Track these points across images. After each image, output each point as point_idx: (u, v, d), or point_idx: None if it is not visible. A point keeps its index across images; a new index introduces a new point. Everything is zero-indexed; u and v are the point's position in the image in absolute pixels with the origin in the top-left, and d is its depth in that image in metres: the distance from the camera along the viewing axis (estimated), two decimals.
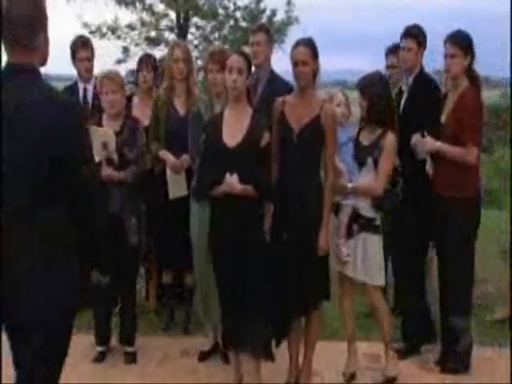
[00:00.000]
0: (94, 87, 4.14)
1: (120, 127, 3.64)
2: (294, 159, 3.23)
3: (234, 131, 3.15)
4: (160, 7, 14.37)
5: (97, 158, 3.46)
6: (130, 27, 14.36)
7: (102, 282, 2.58)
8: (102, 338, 3.77)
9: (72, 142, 1.96)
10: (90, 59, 4.29)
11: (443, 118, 3.62)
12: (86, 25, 14.25)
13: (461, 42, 3.53)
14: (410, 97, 3.84)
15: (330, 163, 3.24)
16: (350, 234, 3.39)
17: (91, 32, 14.24)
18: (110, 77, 3.66)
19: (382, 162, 3.34)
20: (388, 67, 4.33)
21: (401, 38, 3.88)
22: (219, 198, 3.13)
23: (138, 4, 14.61)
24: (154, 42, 14.14)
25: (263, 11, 13.49)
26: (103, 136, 3.53)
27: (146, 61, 4.12)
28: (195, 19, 14.29)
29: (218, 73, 3.56)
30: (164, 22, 14.70)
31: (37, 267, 1.91)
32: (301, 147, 3.21)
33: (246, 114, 3.19)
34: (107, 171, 3.53)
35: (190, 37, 14.33)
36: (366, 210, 3.37)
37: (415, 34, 3.83)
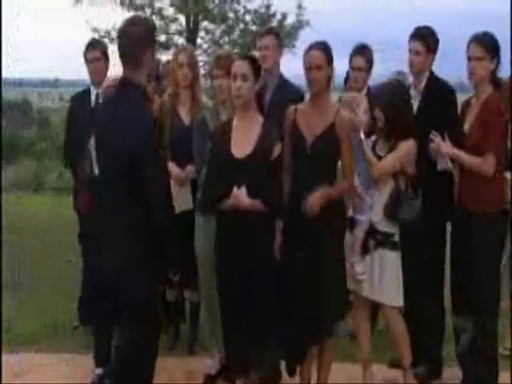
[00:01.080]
0: (96, 95, 3.93)
1: None
2: (308, 172, 3.01)
3: (243, 141, 2.94)
4: (170, 11, 14.18)
5: (97, 171, 3.28)
6: None
7: (174, 280, 2.74)
8: (102, 359, 3.56)
9: (148, 154, 2.42)
10: (100, 60, 4.02)
11: (466, 127, 3.37)
12: (95, 30, 14.12)
13: (488, 44, 3.27)
14: (424, 103, 3.59)
15: (349, 172, 3.02)
16: (365, 251, 3.16)
17: (101, 37, 14.11)
18: None
19: (390, 154, 3.09)
20: (353, 69, 3.93)
21: (409, 40, 3.64)
22: (226, 211, 2.91)
23: (147, 8, 14.45)
24: (163, 46, 13.91)
25: (273, 15, 13.24)
26: None
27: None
28: (205, 23, 14.03)
29: (223, 78, 3.35)
30: (174, 27, 14.48)
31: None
32: (315, 159, 2.99)
33: (256, 123, 2.98)
34: None
35: (199, 41, 14.10)
36: (383, 224, 3.14)
37: (424, 36, 3.58)
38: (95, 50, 4.01)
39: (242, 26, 13.89)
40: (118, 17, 15.90)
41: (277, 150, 2.95)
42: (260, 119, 3.01)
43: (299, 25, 13.41)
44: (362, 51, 3.89)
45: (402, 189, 3.11)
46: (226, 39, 14.22)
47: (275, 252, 3.01)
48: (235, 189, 2.87)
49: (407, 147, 3.12)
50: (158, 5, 14.31)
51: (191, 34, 14.08)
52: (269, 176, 2.91)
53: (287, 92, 3.63)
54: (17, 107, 25.01)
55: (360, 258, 3.15)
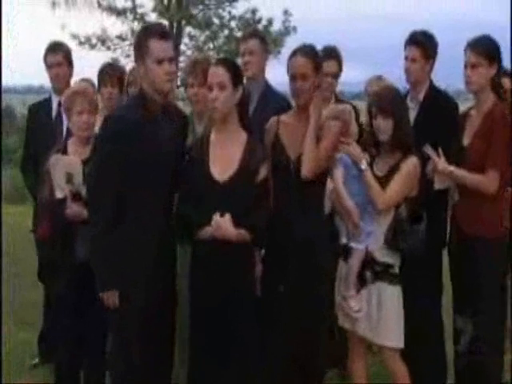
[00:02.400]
0: (59, 104, 3.50)
1: (89, 154, 3.00)
2: (291, 194, 2.61)
3: (224, 161, 2.56)
4: (152, 17, 13.81)
5: (59, 194, 2.86)
6: (121, 38, 13.80)
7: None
8: None
9: None
10: (62, 65, 3.61)
11: (466, 141, 3.03)
12: (74, 36, 13.69)
13: (484, 50, 2.95)
14: (422, 116, 3.22)
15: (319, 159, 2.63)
16: (361, 284, 2.77)
17: (80, 43, 13.70)
18: (84, 92, 3.02)
19: (394, 181, 2.72)
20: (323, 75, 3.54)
21: (404, 46, 3.30)
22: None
23: (129, 14, 14.06)
24: None
25: (259, 21, 12.94)
26: (67, 166, 2.91)
27: (110, 73, 3.45)
28: (188, 29, 13.74)
29: (199, 87, 2.96)
30: None
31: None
32: (300, 179, 2.59)
33: (239, 139, 2.60)
34: (73, 208, 2.89)
35: (183, 47, 13.77)
36: (383, 254, 2.75)
37: (420, 42, 3.23)
38: (56, 54, 3.59)
39: (226, 31, 13.59)
40: (97, 22, 15.58)
41: (263, 170, 2.57)
42: (243, 134, 2.62)
43: (285, 31, 13.17)
44: (334, 54, 3.52)
45: (404, 214, 2.72)
46: (211, 45, 13.91)
47: (255, 284, 2.65)
48: (217, 216, 2.47)
49: (413, 167, 2.74)
50: (140, 10, 13.99)
51: (174, 40, 13.76)
52: (255, 200, 2.53)
53: (273, 102, 3.24)
54: None
55: (355, 292, 2.76)
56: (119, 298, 2.56)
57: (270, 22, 13.04)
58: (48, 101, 3.66)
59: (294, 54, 2.66)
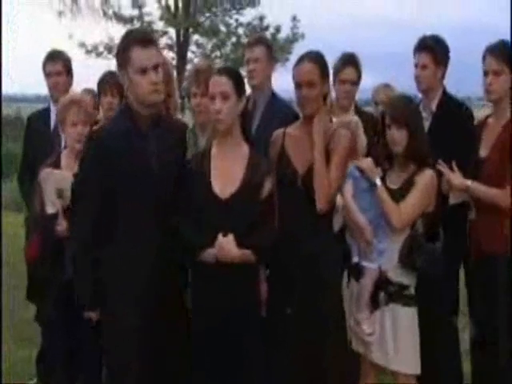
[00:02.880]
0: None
1: None
2: (300, 211, 2.46)
3: (226, 176, 2.41)
4: (159, 25, 13.78)
5: (50, 209, 2.72)
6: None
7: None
8: None
9: None
10: (61, 74, 3.49)
11: (483, 153, 2.87)
12: (81, 44, 13.66)
13: (507, 56, 2.81)
14: (435, 126, 3.05)
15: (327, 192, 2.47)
16: (374, 306, 2.60)
17: (87, 52, 13.68)
18: (80, 102, 2.89)
19: (411, 196, 2.55)
20: (342, 82, 3.30)
21: (414, 53, 3.15)
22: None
23: (136, 22, 14.03)
24: None
25: (267, 28, 12.85)
26: (58, 181, 2.78)
27: (110, 82, 3.32)
28: (196, 37, 13.69)
29: (202, 97, 2.81)
30: (163, 40, 14.10)
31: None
32: (308, 195, 2.43)
33: (241, 153, 2.44)
34: (63, 225, 2.75)
35: (190, 55, 13.72)
36: (397, 273, 2.58)
37: (431, 47, 3.08)
38: (55, 63, 3.46)
39: (234, 39, 13.56)
40: (103, 30, 15.56)
41: (268, 185, 2.42)
42: (245, 147, 2.47)
43: (293, 38, 13.09)
44: (352, 60, 3.34)
45: (420, 231, 2.55)
46: (218, 53, 13.84)
47: (260, 305, 2.50)
48: (220, 236, 2.32)
49: (429, 181, 2.58)
50: (147, 18, 13.97)
51: (181, 47, 13.69)
52: (259, 218, 2.38)
53: (280, 112, 3.08)
54: (10, 123, 24.61)
55: (368, 314, 2.59)
56: (109, 317, 2.42)
57: (277, 29, 12.96)
58: (47, 110, 3.53)
59: (301, 60, 2.52)
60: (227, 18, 13.34)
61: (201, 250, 2.36)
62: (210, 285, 2.40)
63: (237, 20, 13.26)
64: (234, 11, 13.26)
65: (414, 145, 2.59)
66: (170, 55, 13.54)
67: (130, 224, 2.39)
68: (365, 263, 2.61)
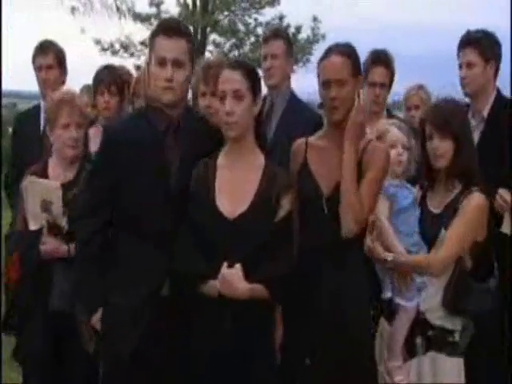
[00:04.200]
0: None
1: (75, 175, 2.45)
2: (323, 236, 2.02)
3: (235, 191, 2.00)
4: None
5: (33, 225, 2.34)
6: (145, 44, 13.48)
7: None
8: None
9: None
10: (52, 68, 3.09)
11: None
12: (97, 41, 13.43)
13: None
14: (488, 136, 2.61)
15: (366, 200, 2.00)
16: (410, 353, 2.17)
17: (103, 49, 13.45)
18: (72, 101, 2.47)
19: (454, 226, 2.11)
20: (373, 85, 2.90)
21: (458, 51, 2.72)
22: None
23: (153, 20, 13.76)
24: None
25: (287, 28, 12.44)
26: (44, 192, 2.37)
27: (107, 79, 2.90)
28: (213, 36, 13.41)
29: (213, 97, 2.39)
30: None
31: None
32: (333, 219, 2.00)
33: (255, 163, 2.03)
34: (49, 243, 2.36)
35: (207, 54, 13.38)
36: (439, 315, 2.14)
37: (477, 41, 2.66)
38: (46, 56, 3.06)
39: (253, 39, 13.24)
40: (119, 28, 15.30)
41: (286, 204, 2.00)
42: (260, 157, 2.05)
43: (314, 38, 12.72)
44: (383, 59, 2.90)
45: (468, 266, 2.11)
46: (236, 53, 13.50)
47: (274, 354, 2.06)
48: (225, 267, 1.91)
49: (478, 206, 2.13)
50: (165, 16, 13.70)
51: (199, 47, 13.39)
52: (274, 244, 1.96)
53: (301, 117, 2.65)
54: None
55: (402, 362, 2.15)
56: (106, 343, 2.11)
57: (298, 29, 12.58)
58: (37, 109, 3.13)
59: (328, 53, 2.07)
60: (246, 17, 12.99)
61: (202, 281, 1.95)
62: (211, 324, 1.97)
63: (256, 19, 12.93)
64: (253, 10, 12.90)
65: (460, 159, 2.16)
66: None
67: (132, 245, 2.08)
68: (399, 301, 2.25)
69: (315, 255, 2.01)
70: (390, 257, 2.15)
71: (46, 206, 2.36)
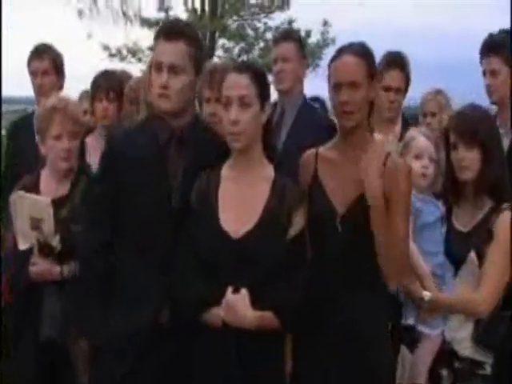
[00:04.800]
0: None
1: (68, 189, 2.26)
2: (338, 259, 1.82)
3: (241, 209, 1.80)
4: None
5: (22, 244, 2.17)
6: (152, 49, 13.36)
7: None
8: None
9: None
10: (48, 73, 2.91)
11: None
12: (105, 47, 13.35)
13: None
14: None
15: (400, 234, 1.81)
16: None
17: (111, 55, 13.37)
18: (65, 109, 2.27)
19: (492, 258, 1.91)
20: (387, 90, 2.70)
21: (480, 58, 2.54)
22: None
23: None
24: None
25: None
26: (33, 209, 2.17)
27: (105, 84, 2.72)
28: (222, 40, 13.29)
29: (218, 103, 2.20)
30: None
31: None
32: (349, 239, 1.80)
33: (263, 177, 1.84)
34: (41, 265, 2.17)
35: (216, 60, 13.25)
36: (467, 346, 1.93)
37: (501, 46, 2.48)
38: (42, 60, 2.89)
39: (262, 44, 13.11)
40: (128, 34, 15.25)
41: (298, 221, 1.80)
42: (268, 169, 1.85)
43: (324, 43, 12.57)
44: (399, 62, 2.70)
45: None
46: (245, 58, 13.37)
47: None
48: (229, 293, 1.72)
49: (506, 227, 1.92)
50: None
51: (208, 51, 13.28)
52: (284, 267, 1.76)
53: (314, 125, 2.45)
54: None
55: None
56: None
57: (307, 33, 12.42)
58: (31, 116, 2.96)
59: (340, 53, 1.87)
60: (255, 22, 12.87)
61: (203, 309, 1.75)
62: (215, 356, 1.77)
63: (265, 23, 12.79)
64: (262, 15, 12.78)
65: (488, 171, 1.96)
66: None
67: (131, 275, 1.88)
68: (423, 328, 2.07)
69: (328, 278, 1.81)
70: (427, 296, 1.89)
71: (36, 224, 2.16)
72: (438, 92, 3.27)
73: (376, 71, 1.91)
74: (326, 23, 12.50)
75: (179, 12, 13.44)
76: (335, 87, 1.84)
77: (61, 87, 2.94)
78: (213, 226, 1.78)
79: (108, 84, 2.69)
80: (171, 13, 13.84)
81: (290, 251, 1.78)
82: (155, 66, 1.86)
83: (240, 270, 1.75)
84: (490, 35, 2.56)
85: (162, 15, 13.54)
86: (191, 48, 1.86)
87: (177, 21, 2.20)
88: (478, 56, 2.61)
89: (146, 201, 1.85)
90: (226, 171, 1.86)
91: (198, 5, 13.19)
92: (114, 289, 1.89)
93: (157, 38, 1.90)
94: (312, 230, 1.82)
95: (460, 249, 1.98)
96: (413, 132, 2.21)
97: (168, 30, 1.89)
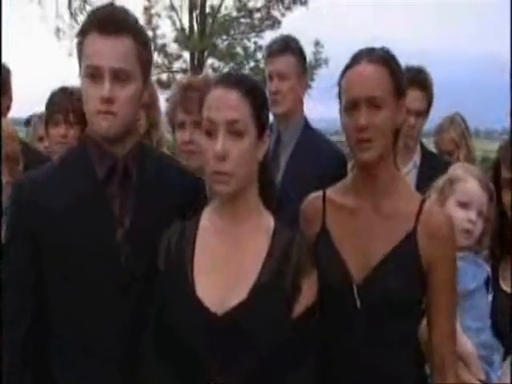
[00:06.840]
0: None
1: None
2: (357, 339, 1.34)
3: (226, 272, 1.30)
4: (173, 47, 13.21)
5: None
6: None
7: None
8: None
9: None
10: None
11: None
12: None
13: None
14: None
15: (445, 331, 1.35)
16: None
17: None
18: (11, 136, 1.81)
19: None
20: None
21: None
22: None
23: None
24: (164, 85, 12.79)
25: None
26: None
27: (63, 105, 2.18)
28: (211, 60, 13.05)
29: (196, 129, 1.75)
30: (177, 64, 13.52)
31: None
32: (371, 318, 1.32)
33: (258, 228, 1.34)
34: None
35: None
36: None
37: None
38: None
39: (252, 63, 12.87)
40: None
41: (307, 291, 1.30)
42: (268, 219, 1.36)
43: (316, 63, 12.36)
44: (419, 79, 2.24)
45: None
46: None
47: None
48: None
49: None
50: (160, 41, 13.36)
51: (196, 71, 13.01)
52: (288, 355, 1.27)
53: (320, 156, 1.98)
54: None
55: None
56: None
57: None
58: None
59: (356, 60, 1.37)
60: (245, 41, 12.64)
61: None
62: None
63: (255, 43, 12.53)
64: (252, 34, 12.56)
65: None
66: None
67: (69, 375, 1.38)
68: None
69: (346, 373, 1.33)
70: None
71: None
72: (452, 120, 2.86)
73: (405, 87, 1.44)
74: (317, 43, 12.29)
75: (167, 31, 13.25)
76: (349, 106, 1.34)
77: (8, 108, 2.45)
78: (187, 297, 1.29)
79: (67, 104, 2.17)
80: (159, 32, 13.62)
81: (298, 333, 1.29)
82: (90, 73, 1.30)
83: (226, 359, 1.25)
84: None
85: (149, 34, 13.32)
86: (138, 45, 1.32)
87: (113, 7, 1.42)
88: None
89: (83, 265, 1.32)
90: (206, 221, 1.37)
91: (186, 23, 12.95)
92: None
93: (86, 31, 1.33)
94: (323, 304, 1.34)
95: (510, 321, 1.52)
96: (460, 170, 1.71)
97: (105, 21, 1.32)
